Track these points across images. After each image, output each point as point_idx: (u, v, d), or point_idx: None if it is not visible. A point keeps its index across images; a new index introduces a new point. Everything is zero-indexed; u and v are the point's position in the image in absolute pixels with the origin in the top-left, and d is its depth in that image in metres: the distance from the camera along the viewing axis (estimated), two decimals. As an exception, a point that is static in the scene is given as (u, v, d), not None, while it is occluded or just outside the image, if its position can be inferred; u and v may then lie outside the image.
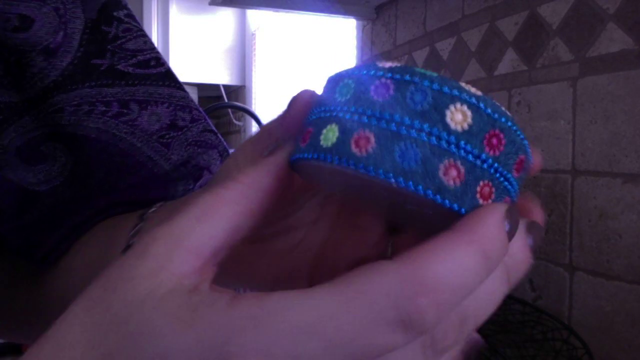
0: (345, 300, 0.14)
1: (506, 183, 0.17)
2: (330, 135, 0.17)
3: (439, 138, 0.16)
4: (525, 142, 0.18)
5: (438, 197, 0.16)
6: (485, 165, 0.16)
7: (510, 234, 0.16)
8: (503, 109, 0.17)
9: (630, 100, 0.61)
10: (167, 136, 0.41)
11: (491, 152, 0.16)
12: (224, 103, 2.10)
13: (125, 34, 0.42)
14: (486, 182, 0.17)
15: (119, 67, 0.41)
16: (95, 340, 0.16)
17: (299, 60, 1.95)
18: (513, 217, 0.16)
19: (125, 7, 0.43)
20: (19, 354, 1.31)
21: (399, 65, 0.18)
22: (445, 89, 0.17)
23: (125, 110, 0.40)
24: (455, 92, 0.17)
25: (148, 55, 0.43)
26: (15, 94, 0.38)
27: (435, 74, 0.17)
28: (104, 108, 0.40)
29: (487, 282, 0.16)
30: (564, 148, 0.70)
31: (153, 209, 0.35)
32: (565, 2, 0.70)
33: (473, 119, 0.16)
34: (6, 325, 0.45)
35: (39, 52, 0.38)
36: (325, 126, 0.17)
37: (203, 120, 0.44)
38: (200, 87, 2.48)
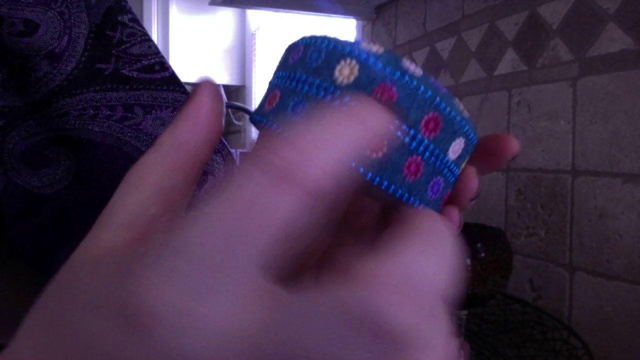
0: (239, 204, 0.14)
1: (405, 138, 0.17)
2: (264, 97, 0.19)
3: (325, 92, 0.16)
4: (436, 100, 0.17)
5: None
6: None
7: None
8: (409, 67, 0.17)
9: (630, 100, 0.61)
10: None
11: (427, 135, 0.17)
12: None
13: (129, 38, 0.42)
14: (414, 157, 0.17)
15: (123, 71, 0.41)
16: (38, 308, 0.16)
17: (299, 60, 1.94)
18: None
19: (129, 11, 0.44)
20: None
21: (353, 41, 0.18)
22: (338, 47, 0.17)
23: (129, 115, 0.41)
24: (347, 49, 0.17)
25: (152, 60, 0.43)
26: (19, 98, 0.38)
27: (352, 42, 0.18)
28: (108, 112, 0.40)
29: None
30: (564, 148, 0.70)
31: None
32: (565, 2, 0.70)
33: (360, 72, 0.16)
34: (8, 330, 0.45)
35: (43, 57, 0.38)
36: (268, 91, 0.19)
37: None
38: (200, 87, 2.47)
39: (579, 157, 0.68)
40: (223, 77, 2.39)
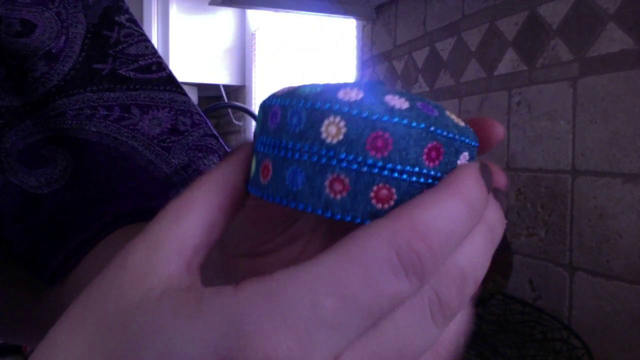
0: (350, 258, 0.15)
1: (412, 178, 0.17)
2: (252, 167, 0.19)
3: (318, 155, 0.16)
4: (431, 129, 0.17)
5: (328, 213, 0.16)
6: (375, 170, 0.16)
7: (487, 187, 0.17)
8: (395, 104, 0.17)
9: (630, 100, 0.61)
10: (168, 140, 0.42)
11: (378, 155, 0.16)
12: (224, 103, 2.10)
13: (126, 38, 0.42)
14: (381, 185, 0.16)
15: (120, 71, 0.41)
16: (96, 343, 0.16)
17: (299, 61, 1.95)
18: (486, 173, 0.17)
19: (126, 11, 0.43)
20: (20, 355, 1.31)
21: (288, 89, 0.18)
22: (317, 105, 0.17)
23: (126, 115, 0.41)
24: (327, 105, 0.17)
25: (149, 60, 0.43)
26: (16, 98, 0.38)
27: (317, 89, 0.17)
28: (105, 112, 0.40)
29: (476, 238, 0.17)
30: (564, 148, 0.70)
31: None
32: (565, 2, 0.70)
33: (348, 127, 0.16)
34: (6, 330, 0.45)
35: (40, 57, 0.38)
36: (252, 159, 0.19)
37: (204, 125, 0.44)
38: (200, 87, 2.47)
39: (579, 157, 0.68)
40: (223, 77, 2.39)
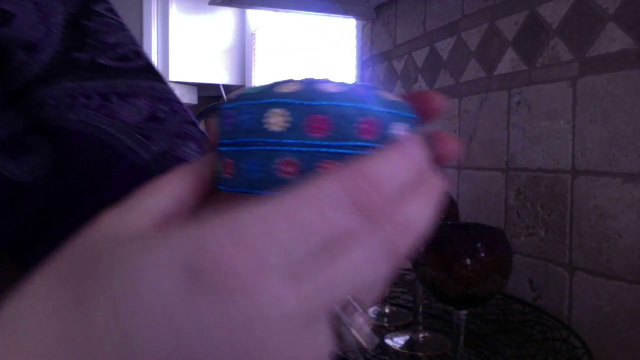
0: (305, 195, 0.17)
1: (352, 151, 0.19)
2: (218, 167, 0.21)
3: (267, 144, 0.19)
4: (361, 106, 0.19)
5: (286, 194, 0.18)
6: (318, 149, 0.18)
7: (429, 152, 0.20)
8: (327, 89, 0.19)
9: (630, 100, 0.61)
10: (148, 128, 0.43)
11: (318, 135, 0.18)
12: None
13: (105, 28, 0.43)
14: (326, 161, 0.19)
15: (99, 60, 0.42)
16: (64, 278, 0.17)
17: (299, 61, 1.94)
18: (430, 141, 0.20)
19: (105, 1, 0.44)
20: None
21: (237, 94, 0.20)
22: (261, 102, 0.19)
23: (106, 103, 0.41)
24: (268, 100, 0.19)
25: (128, 49, 0.43)
26: None
27: (259, 88, 0.20)
28: (85, 101, 0.41)
29: (421, 196, 0.19)
30: (564, 148, 0.70)
31: None
32: (565, 2, 0.70)
33: (289, 116, 0.18)
34: None
35: (20, 47, 0.38)
36: (217, 160, 0.21)
37: (183, 112, 0.45)
38: (200, 87, 2.47)
39: (579, 157, 0.68)
40: (223, 77, 2.39)
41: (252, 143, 0.19)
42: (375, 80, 1.25)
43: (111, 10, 0.44)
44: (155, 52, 2.23)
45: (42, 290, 0.17)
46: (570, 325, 0.66)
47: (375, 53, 1.26)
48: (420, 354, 0.65)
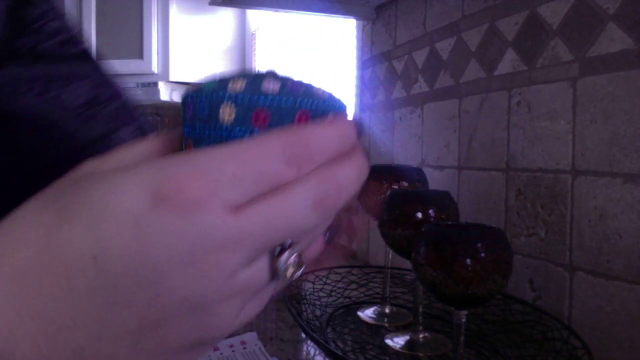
0: (250, 147, 0.21)
1: None
2: (182, 146, 0.25)
3: (220, 132, 0.22)
4: (301, 101, 0.23)
5: None
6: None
7: (356, 130, 0.24)
8: (269, 88, 0.23)
9: (630, 100, 0.61)
10: (90, 110, 0.46)
11: (261, 125, 0.22)
12: (224, 103, 2.09)
13: (43, 16, 0.45)
14: None
15: (41, 46, 0.44)
16: (49, 201, 0.21)
17: (299, 61, 1.94)
18: (358, 123, 0.24)
19: None
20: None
21: (196, 86, 0.24)
22: (215, 96, 0.23)
23: (49, 88, 0.44)
24: (221, 95, 0.23)
25: (67, 35, 0.46)
26: None
27: (214, 83, 0.23)
28: (28, 86, 0.43)
29: (348, 164, 0.23)
30: (564, 148, 0.70)
31: None
32: (565, 2, 0.70)
33: (237, 109, 0.22)
34: None
35: None
36: (184, 141, 0.25)
37: (122, 96, 0.49)
38: (200, 87, 2.47)
39: (579, 157, 0.68)
40: (223, 77, 2.38)
41: (208, 130, 0.23)
42: (375, 80, 1.25)
43: (47, 0, 0.46)
44: (155, 52, 2.23)
45: (29, 211, 0.20)
46: (570, 325, 0.66)
47: (375, 53, 1.26)
48: (420, 354, 0.65)
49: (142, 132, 0.49)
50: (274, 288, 0.24)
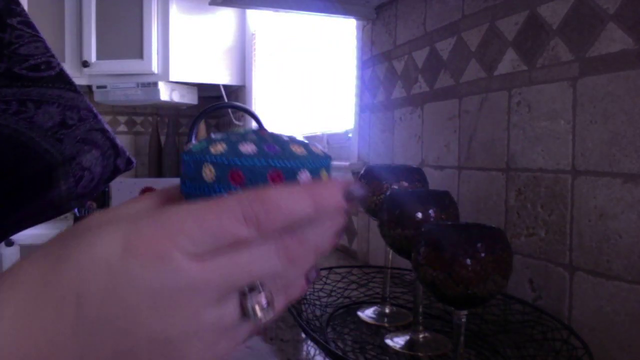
0: (212, 206, 0.24)
1: None
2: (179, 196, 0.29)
3: (204, 190, 0.26)
4: (273, 162, 0.26)
5: None
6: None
7: (350, 199, 0.26)
8: (245, 150, 0.26)
9: (630, 100, 0.61)
10: (59, 133, 0.49)
11: (237, 184, 0.25)
12: (224, 103, 2.10)
13: (17, 40, 0.48)
14: None
15: (15, 70, 0.47)
16: (51, 247, 0.25)
17: (299, 61, 1.94)
18: (352, 188, 0.26)
19: (19, 14, 0.49)
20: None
21: (188, 147, 0.28)
22: (198, 158, 0.26)
23: (23, 109, 0.47)
24: (203, 158, 0.26)
25: (39, 60, 0.49)
26: None
27: (201, 145, 0.27)
28: (4, 106, 0.47)
29: (322, 227, 0.26)
30: (564, 148, 0.70)
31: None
32: (565, 2, 0.70)
33: (216, 170, 0.26)
34: None
35: None
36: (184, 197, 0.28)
37: (91, 119, 0.52)
38: (200, 87, 2.47)
39: (579, 157, 0.68)
40: (223, 77, 2.38)
41: (195, 187, 0.26)
42: (375, 80, 1.25)
43: (24, 23, 0.49)
44: (155, 52, 2.23)
45: (36, 256, 0.25)
46: (570, 325, 0.66)
47: (375, 53, 1.26)
48: (420, 354, 0.65)
49: (104, 158, 0.52)
50: (248, 328, 0.26)
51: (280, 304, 0.27)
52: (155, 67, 2.23)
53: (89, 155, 0.51)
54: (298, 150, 0.27)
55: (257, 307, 0.25)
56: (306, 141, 0.28)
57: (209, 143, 0.27)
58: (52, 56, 0.51)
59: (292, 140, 0.28)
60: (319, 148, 0.28)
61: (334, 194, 0.25)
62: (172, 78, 2.25)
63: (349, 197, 0.26)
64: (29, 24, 0.50)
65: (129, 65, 2.24)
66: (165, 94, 2.29)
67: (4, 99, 0.46)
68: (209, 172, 0.26)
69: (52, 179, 0.48)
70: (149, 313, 0.23)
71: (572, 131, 0.69)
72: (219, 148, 0.26)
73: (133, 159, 0.57)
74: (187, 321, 0.23)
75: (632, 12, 0.61)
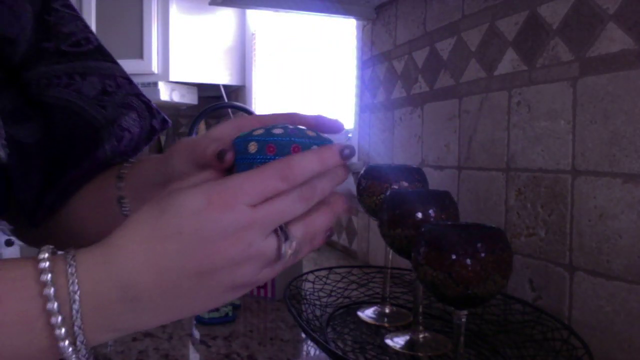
0: (259, 172, 0.35)
1: None
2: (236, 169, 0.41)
3: (248, 158, 0.38)
4: (294, 139, 0.38)
5: None
6: (271, 160, 0.37)
7: (344, 158, 0.37)
8: (276, 132, 0.38)
9: (630, 100, 0.61)
10: (102, 100, 0.56)
11: (271, 153, 0.37)
12: (224, 103, 2.09)
13: (61, 20, 0.55)
14: None
15: (61, 47, 0.54)
16: (153, 205, 0.35)
17: (299, 61, 1.94)
18: (344, 150, 0.38)
19: None
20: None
21: (239, 135, 0.40)
22: (246, 139, 0.38)
23: (72, 81, 0.54)
24: (248, 137, 0.38)
25: (79, 36, 0.56)
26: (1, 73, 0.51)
27: (246, 132, 0.39)
28: (57, 81, 0.53)
29: (327, 179, 0.38)
30: (564, 148, 0.70)
31: (124, 169, 0.53)
32: (565, 2, 0.70)
33: (257, 144, 0.38)
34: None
35: (2, 42, 0.50)
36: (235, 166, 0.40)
37: (127, 85, 0.58)
38: (200, 87, 2.47)
39: (579, 157, 0.68)
40: (223, 77, 2.38)
41: (243, 158, 0.38)
42: (375, 80, 1.25)
43: (66, 5, 0.55)
44: (155, 52, 2.23)
45: (143, 211, 0.35)
46: (570, 325, 0.66)
47: (375, 53, 1.26)
48: (420, 354, 0.65)
49: (140, 119, 0.58)
50: (281, 265, 0.36)
51: (304, 252, 0.38)
52: (155, 67, 2.23)
53: (127, 117, 0.57)
54: (310, 133, 0.39)
55: (289, 251, 0.36)
56: (316, 132, 0.40)
57: (252, 130, 0.39)
58: (91, 32, 0.57)
59: (307, 129, 0.40)
60: (324, 135, 0.41)
61: (334, 154, 0.37)
62: (172, 78, 2.25)
63: (343, 156, 0.37)
64: (69, 6, 0.56)
65: (129, 65, 2.24)
66: (165, 93, 2.29)
67: (56, 74, 0.53)
68: (252, 147, 0.37)
69: (98, 141, 0.55)
70: (222, 243, 0.33)
71: (572, 131, 0.69)
72: (259, 132, 0.38)
73: (168, 119, 0.62)
74: (246, 247, 0.34)
75: (632, 12, 0.61)
